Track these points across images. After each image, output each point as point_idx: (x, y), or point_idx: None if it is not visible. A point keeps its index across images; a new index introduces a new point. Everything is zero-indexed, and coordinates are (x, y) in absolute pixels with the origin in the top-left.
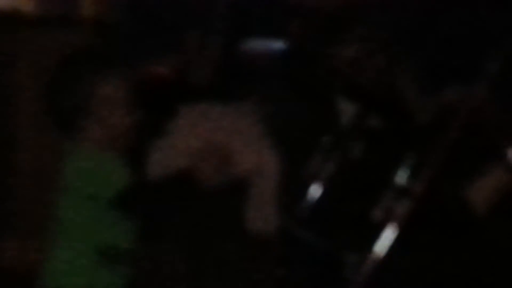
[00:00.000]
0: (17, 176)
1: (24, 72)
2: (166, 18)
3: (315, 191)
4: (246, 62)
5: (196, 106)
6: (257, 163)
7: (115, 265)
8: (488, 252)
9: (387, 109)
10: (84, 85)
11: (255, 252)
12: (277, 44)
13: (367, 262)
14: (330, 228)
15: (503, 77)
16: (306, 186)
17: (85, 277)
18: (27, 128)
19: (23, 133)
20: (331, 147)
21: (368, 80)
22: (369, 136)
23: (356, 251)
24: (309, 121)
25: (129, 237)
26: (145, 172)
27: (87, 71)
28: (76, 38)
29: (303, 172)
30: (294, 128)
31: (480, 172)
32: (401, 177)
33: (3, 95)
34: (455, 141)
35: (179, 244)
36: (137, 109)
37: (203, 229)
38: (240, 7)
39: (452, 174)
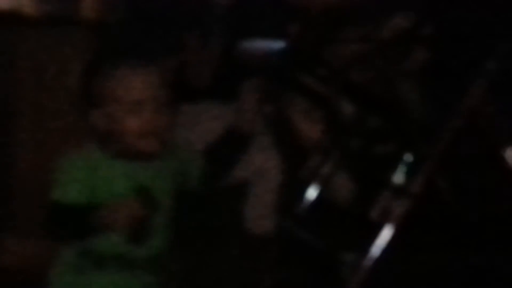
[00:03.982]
0: (17, 176)
1: (24, 73)
2: (166, 19)
3: (313, 190)
4: (245, 63)
5: (195, 107)
6: (258, 164)
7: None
8: (485, 254)
9: (386, 109)
10: None
11: (255, 252)
12: (276, 44)
13: (364, 262)
14: (328, 228)
15: (502, 77)
16: (304, 186)
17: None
18: (27, 128)
19: (23, 133)
20: (329, 147)
21: (366, 80)
22: (367, 135)
23: (354, 251)
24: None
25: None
26: None
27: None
28: (76, 39)
29: (301, 171)
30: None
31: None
32: (399, 176)
33: (3, 95)
34: (453, 140)
35: (180, 244)
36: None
37: (204, 229)
38: (239, 8)
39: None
